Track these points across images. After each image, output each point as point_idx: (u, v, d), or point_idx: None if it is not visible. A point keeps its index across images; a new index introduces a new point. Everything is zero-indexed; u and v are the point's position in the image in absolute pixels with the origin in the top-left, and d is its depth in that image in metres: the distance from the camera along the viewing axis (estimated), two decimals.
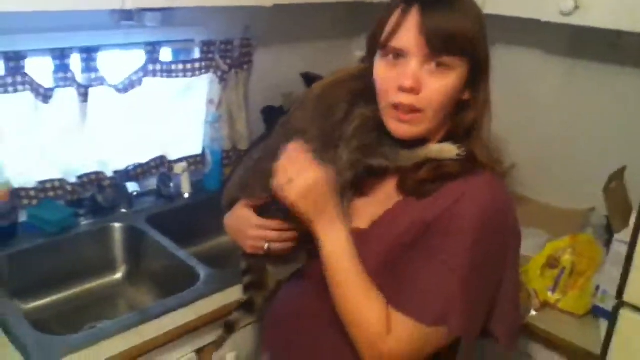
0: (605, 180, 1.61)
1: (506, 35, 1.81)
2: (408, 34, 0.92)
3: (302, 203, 0.96)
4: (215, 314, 1.36)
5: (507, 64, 1.74)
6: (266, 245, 1.07)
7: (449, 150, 0.99)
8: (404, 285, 0.95)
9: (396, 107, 0.95)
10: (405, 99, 0.93)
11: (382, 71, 0.97)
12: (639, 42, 1.66)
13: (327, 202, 0.97)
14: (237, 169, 1.21)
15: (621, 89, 1.74)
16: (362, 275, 0.96)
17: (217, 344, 1.22)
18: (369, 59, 1.01)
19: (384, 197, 1.05)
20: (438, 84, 0.93)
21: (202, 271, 1.50)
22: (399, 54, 0.94)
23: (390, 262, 0.98)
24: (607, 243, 1.56)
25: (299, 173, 0.96)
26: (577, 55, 1.82)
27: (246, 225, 1.10)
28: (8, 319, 1.27)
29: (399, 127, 0.97)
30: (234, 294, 1.41)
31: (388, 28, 0.94)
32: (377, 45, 0.97)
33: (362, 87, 1.00)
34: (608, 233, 1.69)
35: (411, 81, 0.92)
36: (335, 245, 0.97)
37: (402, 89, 0.93)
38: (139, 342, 1.23)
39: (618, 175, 1.45)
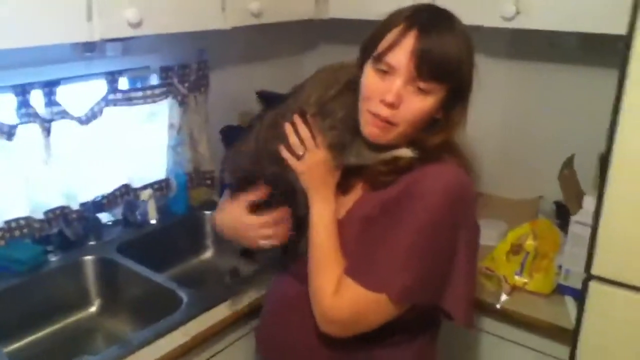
0: (550, 171, 1.75)
1: None
2: (402, 54, 0.99)
3: (308, 175, 1.13)
4: (207, 332, 1.37)
5: None
6: (270, 243, 1.21)
7: (405, 152, 1.09)
8: (360, 255, 1.07)
9: (374, 115, 1.03)
10: (383, 111, 1.02)
11: (370, 80, 1.04)
12: (574, 41, 1.82)
13: (327, 180, 1.13)
14: (244, 138, 1.27)
15: (560, 84, 1.89)
16: (335, 247, 1.10)
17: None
18: (360, 62, 1.09)
19: (354, 191, 1.16)
20: (416, 105, 1.01)
21: (184, 293, 1.50)
22: (389, 69, 1.01)
23: (360, 241, 1.09)
24: (560, 226, 1.69)
25: (310, 149, 1.11)
26: (517, 56, 1.96)
27: (247, 228, 1.22)
28: None
29: (372, 132, 1.06)
30: (221, 312, 1.44)
31: (385, 43, 1.01)
32: (371, 53, 1.04)
33: (346, 82, 1.11)
34: (558, 217, 1.83)
35: (393, 98, 1.00)
36: (324, 216, 1.11)
37: (383, 102, 1.01)
38: None
39: (569, 163, 1.58)
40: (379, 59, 1.02)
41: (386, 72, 1.01)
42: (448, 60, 0.99)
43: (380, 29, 1.05)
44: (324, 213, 1.12)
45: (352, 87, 1.09)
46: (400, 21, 1.01)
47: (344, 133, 1.10)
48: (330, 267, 1.08)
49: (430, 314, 1.17)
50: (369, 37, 1.07)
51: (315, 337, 1.13)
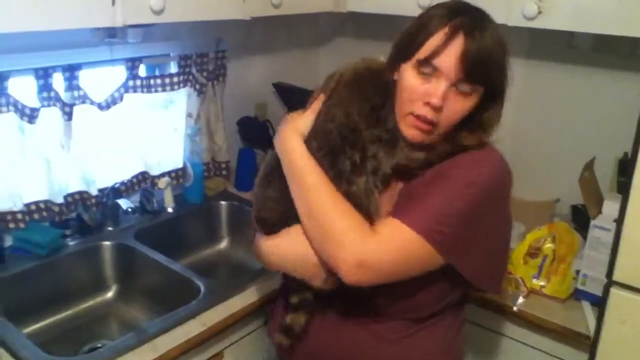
0: (566, 173, 1.74)
1: None
2: (450, 58, 0.99)
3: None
4: (224, 322, 1.38)
5: None
6: None
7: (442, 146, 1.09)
8: (409, 204, 1.05)
9: (418, 117, 1.03)
10: (429, 113, 1.02)
11: (413, 82, 1.03)
12: (593, 43, 1.80)
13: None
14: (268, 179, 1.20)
15: (577, 86, 1.87)
16: (330, 184, 1.04)
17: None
18: (395, 62, 1.08)
19: (392, 185, 1.13)
20: (459, 106, 1.03)
21: (201, 282, 1.51)
22: (433, 71, 1.01)
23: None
24: (577, 230, 1.68)
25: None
26: (535, 56, 1.95)
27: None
28: (13, 343, 1.25)
29: (415, 134, 1.06)
30: (238, 302, 1.45)
31: (430, 47, 1.00)
32: (410, 55, 1.03)
33: (384, 88, 1.08)
34: (574, 221, 1.82)
35: (440, 101, 1.01)
36: (297, 146, 1.08)
37: (429, 105, 1.01)
38: (156, 356, 1.24)
39: (589, 166, 1.57)
40: (424, 62, 1.01)
41: (429, 74, 1.01)
42: (492, 62, 1.01)
43: (420, 30, 1.04)
44: (295, 144, 1.08)
45: (382, 96, 1.08)
46: (442, 24, 1.01)
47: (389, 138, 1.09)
48: (342, 203, 1.02)
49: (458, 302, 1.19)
50: (406, 39, 1.07)
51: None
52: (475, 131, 1.08)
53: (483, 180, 1.04)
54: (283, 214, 1.12)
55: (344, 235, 0.99)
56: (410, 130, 1.05)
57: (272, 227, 1.15)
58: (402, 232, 1.00)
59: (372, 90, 1.08)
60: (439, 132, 1.05)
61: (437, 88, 1.00)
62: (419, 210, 1.02)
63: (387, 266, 1.00)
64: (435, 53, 1.00)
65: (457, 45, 0.98)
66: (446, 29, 1.00)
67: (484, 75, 1.01)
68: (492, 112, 1.09)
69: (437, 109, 1.01)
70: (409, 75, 1.04)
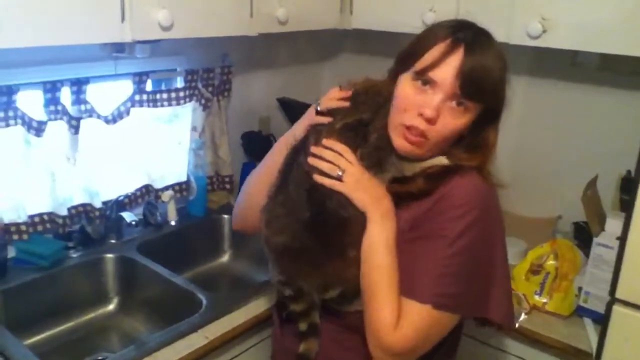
0: (568, 190, 1.75)
1: None
2: (447, 71, 0.98)
3: (361, 192, 1.04)
4: (226, 335, 1.38)
5: None
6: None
7: (440, 160, 1.07)
8: (407, 271, 1.02)
9: (408, 128, 1.01)
10: (419, 123, 1.00)
11: (408, 92, 1.02)
12: (596, 61, 1.82)
13: (379, 193, 1.05)
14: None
15: (580, 104, 1.89)
16: (395, 269, 1.02)
17: None
18: (395, 73, 1.08)
19: None
20: (452, 122, 1.01)
21: (203, 295, 1.51)
22: (430, 83, 1.00)
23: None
24: (578, 247, 1.68)
25: (346, 166, 1.05)
26: (538, 74, 1.97)
27: None
28: (14, 354, 1.26)
29: (404, 145, 1.03)
30: (240, 316, 1.45)
31: (429, 58, 0.99)
32: (410, 65, 1.03)
33: (383, 102, 1.08)
34: (576, 238, 1.82)
35: (433, 113, 0.99)
36: (384, 233, 1.03)
37: (421, 116, 1.00)
38: None
39: (592, 184, 1.57)
40: (422, 73, 1.00)
41: (425, 85, 1.00)
42: (490, 80, 1.00)
43: (421, 42, 1.04)
44: (384, 231, 1.03)
45: (381, 106, 1.08)
46: (443, 37, 1.00)
47: (378, 151, 1.08)
48: (392, 293, 1.01)
49: (453, 331, 1.14)
50: (407, 50, 1.06)
51: None
52: (477, 154, 1.06)
53: (473, 221, 1.01)
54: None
55: (380, 326, 1.00)
56: (399, 140, 1.03)
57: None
58: (416, 313, 0.99)
59: (364, 106, 1.09)
60: (429, 146, 1.02)
61: (432, 100, 0.99)
62: (422, 278, 1.01)
63: (412, 347, 1.00)
64: (433, 65, 0.99)
65: (455, 60, 0.98)
66: (447, 42, 0.99)
67: (481, 93, 0.99)
68: (489, 134, 1.06)
69: (430, 121, 0.99)
70: (405, 86, 1.03)
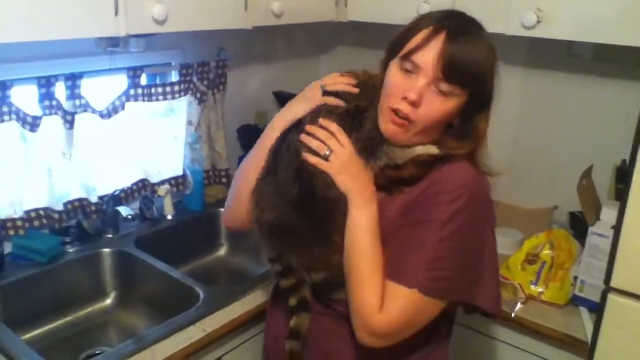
0: (564, 180, 1.76)
1: None
2: (429, 54, 1.00)
3: (346, 175, 1.06)
4: (223, 328, 1.39)
5: None
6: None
7: (431, 149, 1.08)
8: (394, 256, 1.04)
9: (394, 111, 1.04)
10: (404, 107, 1.02)
11: (394, 77, 1.05)
12: (592, 52, 1.82)
13: (363, 179, 1.07)
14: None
15: (576, 95, 1.89)
16: (378, 253, 1.04)
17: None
18: (385, 63, 1.10)
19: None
20: (436, 106, 1.02)
21: (200, 289, 1.52)
22: (414, 68, 1.02)
23: (387, 243, 1.06)
24: (574, 237, 1.69)
25: (336, 147, 1.06)
26: (534, 65, 1.97)
27: None
28: (12, 349, 1.26)
29: (389, 129, 1.05)
30: (237, 309, 1.45)
31: (413, 43, 1.02)
32: (397, 53, 1.05)
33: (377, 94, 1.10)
34: (572, 228, 1.83)
35: (416, 96, 1.01)
36: (365, 218, 1.05)
37: (405, 100, 1.02)
38: None
39: (587, 174, 1.58)
40: (405, 57, 1.02)
41: (411, 71, 1.02)
42: (473, 66, 1.01)
43: (408, 30, 1.06)
44: (364, 215, 1.05)
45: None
46: (429, 24, 1.02)
47: (371, 140, 1.09)
48: (375, 277, 1.02)
49: (445, 320, 1.17)
50: (396, 37, 1.08)
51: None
52: (467, 142, 1.07)
53: (463, 207, 1.02)
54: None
55: (364, 308, 1.02)
56: (385, 125, 1.05)
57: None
58: (402, 296, 1.00)
59: (363, 94, 1.11)
60: (415, 131, 1.04)
61: (416, 84, 1.01)
62: (411, 263, 1.02)
63: (397, 330, 1.02)
64: (416, 49, 1.01)
65: (437, 44, 0.99)
66: (431, 28, 1.01)
67: (464, 77, 1.00)
68: (478, 122, 1.06)
69: (414, 104, 1.01)
70: (393, 71, 1.05)
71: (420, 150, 1.07)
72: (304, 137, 1.10)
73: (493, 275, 1.09)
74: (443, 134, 1.09)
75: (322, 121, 1.10)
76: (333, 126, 1.09)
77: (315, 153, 1.08)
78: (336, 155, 1.07)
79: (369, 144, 1.09)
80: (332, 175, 1.07)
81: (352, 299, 1.04)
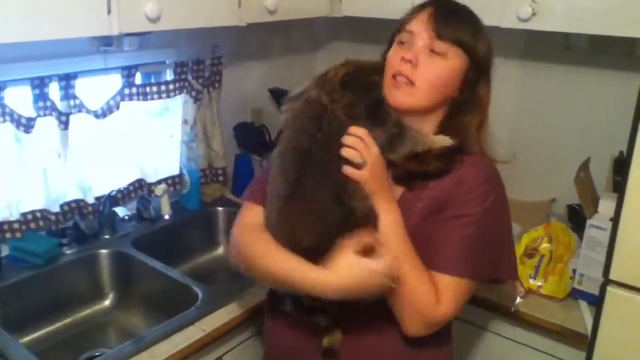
0: (561, 173, 1.76)
1: None
2: (420, 20, 1.11)
3: (373, 182, 1.07)
4: (222, 328, 1.38)
5: None
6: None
7: (443, 139, 1.12)
8: (438, 250, 1.10)
9: (394, 77, 1.10)
10: (403, 68, 1.09)
11: (393, 52, 1.14)
12: (588, 44, 1.81)
13: (387, 182, 1.11)
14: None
15: (572, 87, 1.89)
16: (413, 250, 1.09)
17: None
18: (386, 51, 1.17)
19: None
20: (435, 66, 1.09)
21: (199, 288, 1.51)
22: (408, 37, 1.11)
23: (423, 238, 1.11)
24: (573, 230, 1.69)
25: (370, 156, 1.06)
26: (530, 58, 1.96)
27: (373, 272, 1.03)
28: (10, 352, 1.25)
29: (395, 95, 1.10)
30: (236, 308, 1.45)
31: (406, 19, 1.14)
32: (395, 36, 1.15)
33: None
34: (570, 221, 1.83)
35: (411, 55, 1.09)
36: (394, 218, 1.08)
37: (403, 60, 1.09)
38: None
39: (584, 166, 1.57)
40: (400, 30, 1.14)
41: (407, 43, 1.11)
42: (463, 23, 1.11)
43: (404, 18, 1.16)
44: (396, 218, 1.09)
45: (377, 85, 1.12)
46: (420, 7, 1.15)
47: (391, 135, 1.10)
48: (420, 274, 1.07)
49: None
50: (394, 28, 1.18)
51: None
52: (473, 113, 1.14)
53: (493, 200, 1.11)
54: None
55: (424, 304, 1.07)
56: (389, 93, 1.10)
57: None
58: (455, 286, 1.09)
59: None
60: (419, 95, 1.09)
61: (412, 48, 1.10)
62: (456, 254, 1.09)
63: (452, 317, 1.12)
64: (408, 20, 1.13)
65: (427, 12, 1.11)
66: (419, 5, 1.15)
67: (455, 33, 1.09)
68: (481, 91, 1.14)
69: (410, 62, 1.08)
70: (391, 51, 1.14)
71: (436, 140, 1.12)
72: (346, 151, 1.06)
73: (512, 246, 1.21)
74: (451, 113, 1.15)
75: (352, 129, 1.07)
76: (360, 131, 1.07)
77: (348, 163, 1.07)
78: (369, 163, 1.06)
79: (389, 138, 1.09)
80: (363, 183, 1.06)
81: (408, 301, 1.08)
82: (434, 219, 1.11)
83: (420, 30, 1.09)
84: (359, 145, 1.06)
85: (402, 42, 1.12)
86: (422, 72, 1.08)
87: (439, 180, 1.12)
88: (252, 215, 1.20)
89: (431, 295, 1.07)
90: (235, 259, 1.21)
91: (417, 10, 1.13)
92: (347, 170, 1.06)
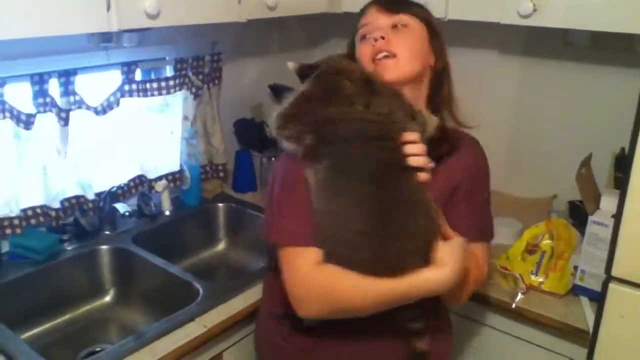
0: (562, 170, 1.75)
1: (467, 38, 1.93)
2: (371, 11, 1.22)
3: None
4: (224, 324, 1.38)
5: (468, 64, 1.84)
6: None
7: (435, 119, 1.18)
8: (472, 221, 1.22)
9: (374, 60, 1.17)
10: (378, 45, 1.16)
11: (361, 47, 1.21)
12: (589, 40, 1.81)
13: None
14: None
15: (573, 83, 1.88)
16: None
17: None
18: (352, 52, 1.26)
19: None
20: (403, 36, 1.18)
21: (200, 284, 1.51)
22: (368, 29, 1.19)
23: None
24: (574, 226, 1.68)
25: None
26: (531, 54, 1.96)
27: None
28: (11, 349, 1.25)
29: (383, 68, 1.16)
30: (237, 304, 1.45)
31: (359, 19, 1.24)
32: (355, 37, 1.23)
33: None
34: (572, 217, 1.82)
35: (379, 32, 1.17)
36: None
37: (374, 41, 1.16)
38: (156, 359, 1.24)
39: (586, 162, 1.57)
40: (358, 29, 1.22)
41: (368, 34, 1.19)
42: (406, 1, 1.22)
43: (356, 23, 1.26)
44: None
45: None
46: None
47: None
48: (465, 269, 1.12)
49: None
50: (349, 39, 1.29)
51: None
52: (446, 82, 1.24)
53: (487, 164, 1.30)
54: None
55: (481, 281, 1.26)
56: (379, 68, 1.16)
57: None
58: (487, 251, 1.27)
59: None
60: (403, 63, 1.16)
61: (376, 33, 1.17)
62: (482, 224, 1.26)
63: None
64: (362, 11, 1.24)
65: (374, 3, 1.23)
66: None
67: (406, 6, 1.20)
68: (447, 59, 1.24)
69: (382, 39, 1.15)
70: (358, 49, 1.22)
71: (433, 120, 1.16)
72: (415, 160, 1.06)
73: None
74: (434, 86, 1.23)
75: (406, 135, 1.07)
76: (413, 135, 1.08)
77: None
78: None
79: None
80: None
81: (474, 273, 1.18)
82: (461, 195, 1.22)
83: (375, 18, 1.19)
84: (419, 150, 1.07)
85: (364, 37, 1.20)
86: (396, 43, 1.16)
87: (445, 162, 1.19)
88: (307, 260, 1.06)
89: (481, 272, 1.23)
90: (316, 308, 1.06)
91: (366, 8, 1.24)
92: (422, 176, 1.07)
